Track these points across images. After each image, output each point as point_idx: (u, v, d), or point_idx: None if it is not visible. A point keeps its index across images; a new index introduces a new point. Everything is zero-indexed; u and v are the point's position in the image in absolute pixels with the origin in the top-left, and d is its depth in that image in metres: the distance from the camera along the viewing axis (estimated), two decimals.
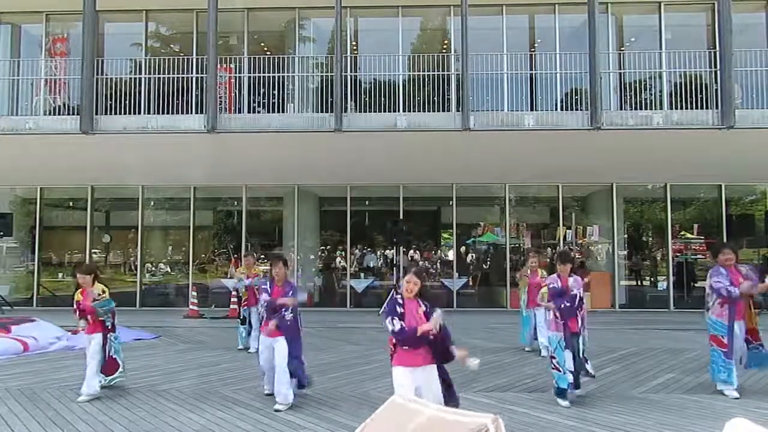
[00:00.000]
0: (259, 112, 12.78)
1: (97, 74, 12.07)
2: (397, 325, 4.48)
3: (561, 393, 6.02)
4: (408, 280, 4.66)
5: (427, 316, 4.53)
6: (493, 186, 15.32)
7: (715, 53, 11.71)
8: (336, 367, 7.89)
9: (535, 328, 8.96)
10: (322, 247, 16.34)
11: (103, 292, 6.44)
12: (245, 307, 9.38)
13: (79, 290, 6.52)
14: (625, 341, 9.96)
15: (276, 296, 6.13)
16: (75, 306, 6.49)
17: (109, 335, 6.47)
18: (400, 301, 4.65)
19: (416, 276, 4.67)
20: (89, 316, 6.41)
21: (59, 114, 12.58)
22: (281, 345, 5.99)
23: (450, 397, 4.56)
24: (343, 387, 6.78)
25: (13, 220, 14.17)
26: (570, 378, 5.98)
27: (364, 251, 16.28)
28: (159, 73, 12.46)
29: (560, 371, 5.99)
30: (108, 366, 6.47)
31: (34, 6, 13.35)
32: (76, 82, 12.52)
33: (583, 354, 6.17)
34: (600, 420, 5.51)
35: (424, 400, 1.84)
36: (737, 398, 6.27)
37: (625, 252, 15.82)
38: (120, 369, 6.62)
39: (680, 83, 12.38)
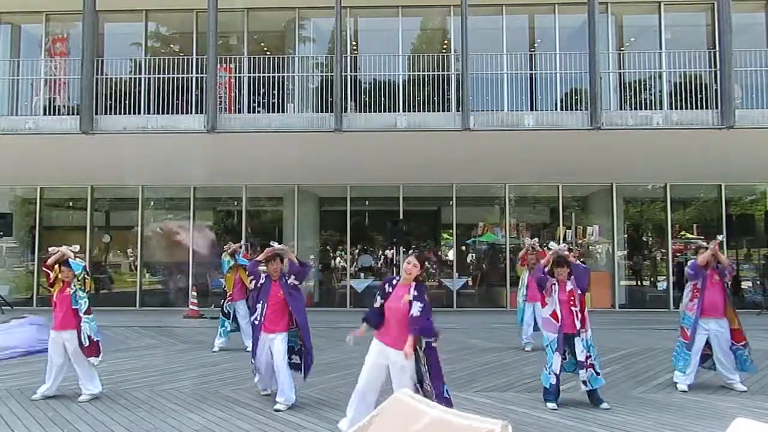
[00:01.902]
0: (259, 112, 12.78)
1: (97, 74, 12.07)
2: (376, 302, 4.77)
3: (547, 394, 6.00)
4: (409, 261, 4.69)
5: (411, 306, 4.56)
6: (493, 186, 15.32)
7: (715, 53, 11.71)
8: (336, 367, 7.89)
9: (535, 321, 8.97)
10: (322, 247, 16.33)
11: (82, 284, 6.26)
12: (230, 302, 9.25)
13: (60, 282, 6.26)
14: (625, 341, 9.96)
15: (274, 291, 6.02)
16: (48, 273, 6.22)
17: (82, 322, 6.17)
18: (394, 282, 4.72)
19: (417, 259, 4.68)
20: (58, 309, 6.18)
21: (59, 114, 12.59)
22: (279, 344, 5.93)
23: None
24: (343, 387, 6.77)
25: (13, 220, 14.17)
26: (553, 380, 5.94)
27: (362, 251, 16.24)
28: (159, 73, 12.47)
29: (546, 371, 6.02)
30: (92, 348, 6.22)
31: (34, 6, 13.34)
32: (76, 82, 12.52)
33: (584, 357, 5.98)
34: (600, 420, 5.51)
35: (427, 400, 1.83)
36: (685, 392, 6.47)
37: (625, 252, 15.81)
38: (101, 353, 6.34)
39: (680, 83, 12.38)
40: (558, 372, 5.98)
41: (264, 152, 12.87)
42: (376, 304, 4.79)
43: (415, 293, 4.58)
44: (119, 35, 14.47)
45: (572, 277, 6.16)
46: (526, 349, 9.15)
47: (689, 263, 7.00)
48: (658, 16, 13.23)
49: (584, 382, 5.98)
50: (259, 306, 6.08)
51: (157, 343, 10.02)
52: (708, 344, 6.69)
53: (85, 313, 6.25)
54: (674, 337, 10.35)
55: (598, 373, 6.02)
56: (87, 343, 6.19)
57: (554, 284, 6.16)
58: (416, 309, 4.53)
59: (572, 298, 6.04)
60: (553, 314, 6.12)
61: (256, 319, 6.12)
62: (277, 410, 5.76)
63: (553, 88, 12.97)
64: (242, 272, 9.36)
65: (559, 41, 13.15)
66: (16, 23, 14.18)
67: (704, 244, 6.90)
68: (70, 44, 13.56)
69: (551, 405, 5.92)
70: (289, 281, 6.04)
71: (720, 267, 6.71)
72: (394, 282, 4.75)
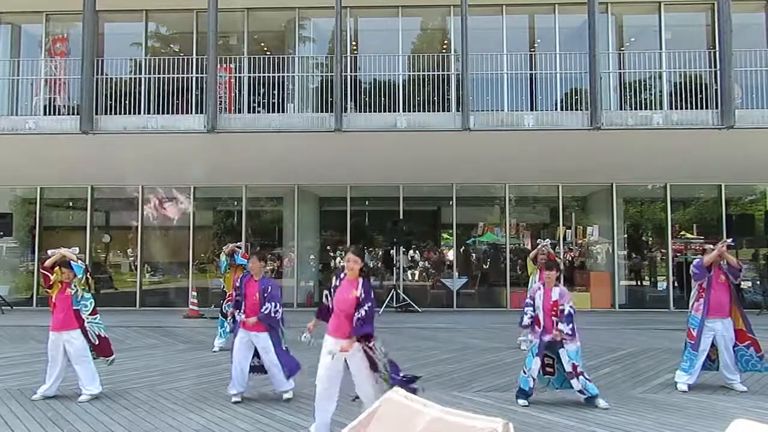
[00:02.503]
0: (259, 112, 12.79)
1: (97, 74, 12.08)
2: (326, 298, 4.92)
3: (521, 393, 6.07)
4: (348, 259, 4.79)
5: (359, 302, 4.62)
6: (493, 186, 15.32)
7: (715, 53, 11.71)
8: None
9: None
10: (321, 247, 16.32)
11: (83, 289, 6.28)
12: (229, 303, 9.22)
13: (60, 281, 6.26)
14: (625, 341, 9.95)
15: (249, 290, 6.19)
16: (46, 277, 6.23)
17: (87, 321, 6.21)
18: (341, 276, 4.84)
19: (355, 254, 4.79)
20: (58, 310, 6.17)
21: (59, 114, 12.58)
22: (265, 341, 6.07)
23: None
24: (342, 387, 6.75)
25: (13, 220, 14.16)
26: (531, 383, 6.01)
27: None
28: (159, 73, 12.47)
29: (524, 373, 6.06)
30: (103, 347, 6.30)
31: (34, 6, 13.35)
32: (76, 82, 12.53)
33: (571, 368, 5.90)
34: (600, 420, 5.51)
35: (422, 399, 1.80)
36: (685, 392, 6.45)
37: (625, 252, 15.81)
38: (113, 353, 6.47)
39: (680, 83, 12.38)
40: (536, 376, 6.03)
41: (264, 152, 12.87)
42: (326, 300, 4.92)
43: (363, 292, 4.66)
44: (119, 35, 14.47)
45: (559, 286, 6.18)
46: (522, 348, 9.15)
47: (694, 262, 6.91)
48: (658, 16, 13.23)
49: (580, 392, 5.94)
50: (241, 306, 6.23)
51: (157, 343, 10.01)
52: (714, 346, 6.65)
53: (90, 314, 6.29)
54: (674, 338, 10.37)
55: (589, 380, 5.97)
56: (97, 342, 6.27)
57: (539, 289, 6.19)
58: (363, 311, 4.59)
59: (555, 308, 6.00)
60: (536, 319, 6.13)
61: (240, 317, 6.20)
62: (288, 399, 5.98)
63: (553, 88, 12.98)
64: (241, 272, 9.33)
65: (559, 41, 13.15)
66: (16, 23, 14.18)
67: (713, 246, 6.85)
68: (70, 44, 13.56)
69: (523, 402, 5.99)
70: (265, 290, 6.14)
71: (731, 268, 6.63)
72: (341, 276, 4.85)
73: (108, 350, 6.42)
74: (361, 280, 4.72)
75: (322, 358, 4.75)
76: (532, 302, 6.21)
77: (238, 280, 6.48)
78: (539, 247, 9.54)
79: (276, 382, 6.13)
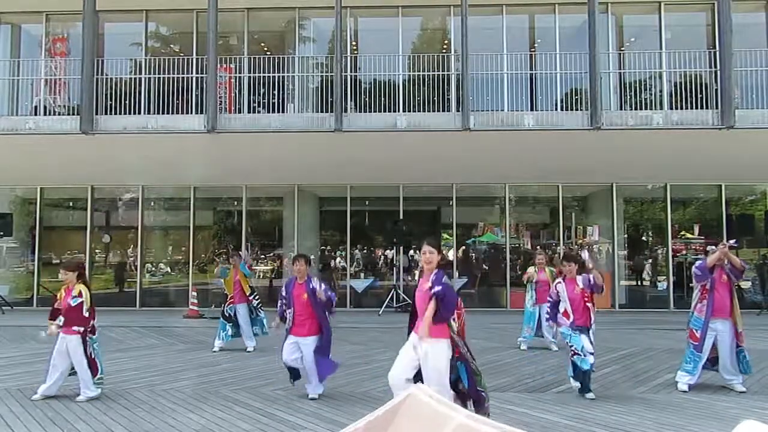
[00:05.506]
0: (259, 112, 12.79)
1: (97, 74, 12.08)
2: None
3: (586, 378, 6.14)
4: (424, 251, 4.56)
5: (429, 294, 4.43)
6: (493, 186, 15.32)
7: (715, 53, 11.71)
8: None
9: (539, 324, 9.02)
10: (322, 247, 16.33)
11: (80, 294, 6.20)
12: (231, 305, 9.22)
13: (64, 287, 6.36)
14: (625, 341, 9.95)
15: (296, 292, 6.29)
16: (52, 303, 6.39)
17: (88, 337, 6.24)
18: (418, 279, 4.76)
19: (432, 245, 4.55)
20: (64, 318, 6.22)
21: (59, 114, 12.59)
22: (308, 347, 6.21)
23: None
24: (343, 387, 6.78)
25: (13, 220, 14.16)
26: (591, 359, 6.06)
27: (361, 252, 16.19)
28: (159, 73, 12.47)
29: (580, 355, 6.09)
30: (92, 366, 6.26)
31: (34, 6, 13.35)
32: (76, 82, 12.53)
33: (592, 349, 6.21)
34: (600, 420, 5.50)
35: (447, 401, 1.73)
36: (685, 392, 6.46)
37: (625, 252, 15.80)
38: (99, 373, 6.27)
39: (680, 83, 12.39)
40: (591, 351, 6.10)
41: (264, 152, 12.87)
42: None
43: (434, 279, 4.45)
44: (119, 35, 14.48)
45: (583, 275, 6.35)
46: (522, 347, 9.18)
47: (697, 263, 6.89)
48: (658, 16, 13.23)
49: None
50: (288, 313, 6.30)
51: (157, 343, 10.01)
52: (714, 346, 6.65)
53: (90, 333, 6.28)
54: (674, 338, 10.37)
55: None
56: (92, 357, 6.26)
57: (560, 283, 6.23)
58: (435, 289, 4.44)
59: (585, 296, 6.30)
60: (564, 313, 6.18)
61: (288, 324, 6.32)
62: (313, 398, 6.16)
63: (553, 88, 12.98)
64: (241, 275, 9.36)
65: (559, 41, 13.15)
66: (16, 23, 14.19)
67: (715, 247, 6.85)
68: (70, 44, 13.57)
69: (591, 396, 6.14)
70: (314, 288, 6.27)
71: (733, 269, 6.61)
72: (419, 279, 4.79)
73: (94, 370, 6.26)
74: (435, 272, 4.50)
75: (400, 352, 4.70)
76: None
77: (284, 287, 6.49)
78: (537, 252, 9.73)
79: (313, 382, 6.27)
